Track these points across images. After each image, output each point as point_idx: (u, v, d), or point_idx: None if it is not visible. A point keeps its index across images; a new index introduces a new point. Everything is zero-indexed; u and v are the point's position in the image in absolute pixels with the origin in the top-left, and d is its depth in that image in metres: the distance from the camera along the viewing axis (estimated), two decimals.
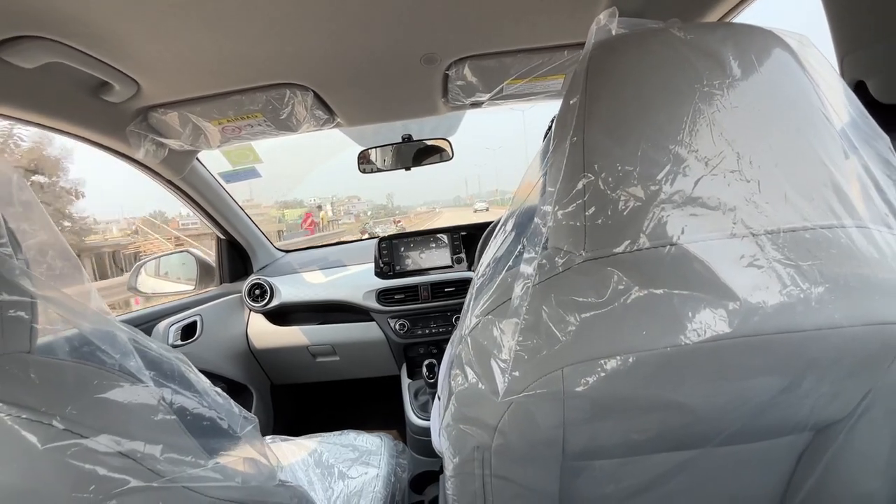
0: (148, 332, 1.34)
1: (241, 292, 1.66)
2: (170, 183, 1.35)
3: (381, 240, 1.70)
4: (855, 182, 0.37)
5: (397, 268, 1.68)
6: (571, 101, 0.39)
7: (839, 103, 0.39)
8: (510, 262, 0.42)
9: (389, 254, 1.68)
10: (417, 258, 1.69)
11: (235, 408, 0.46)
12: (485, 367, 0.38)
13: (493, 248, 0.46)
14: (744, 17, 0.78)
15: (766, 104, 0.36)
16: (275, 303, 1.65)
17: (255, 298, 1.65)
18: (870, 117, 0.39)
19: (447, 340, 0.52)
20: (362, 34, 0.82)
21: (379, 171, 1.59)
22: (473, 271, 1.24)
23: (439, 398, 0.59)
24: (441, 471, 0.49)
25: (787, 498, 0.46)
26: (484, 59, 0.95)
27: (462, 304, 0.48)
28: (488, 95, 1.08)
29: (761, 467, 0.45)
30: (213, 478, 0.40)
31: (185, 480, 0.37)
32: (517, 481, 0.43)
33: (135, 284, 1.57)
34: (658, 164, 0.36)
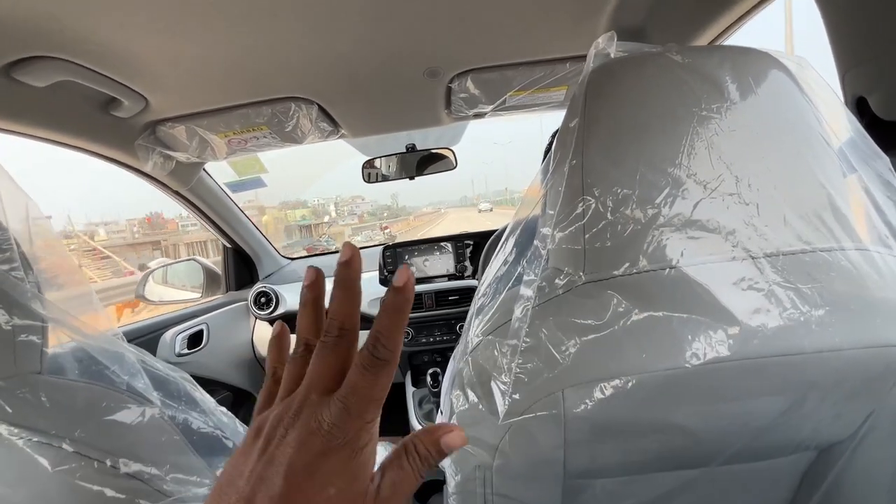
0: (156, 340, 1.36)
1: (246, 300, 1.68)
2: (177, 193, 1.36)
3: (386, 248, 1.71)
4: (854, 204, 0.37)
5: None
6: (570, 124, 0.39)
7: (838, 124, 0.39)
8: (511, 283, 0.42)
9: (394, 262, 1.69)
10: (422, 266, 1.69)
11: (240, 427, 0.46)
12: (485, 388, 0.39)
13: (494, 267, 0.46)
14: (749, 30, 0.78)
15: (764, 127, 0.37)
16: (280, 311, 1.66)
17: (260, 306, 1.67)
18: (869, 138, 0.39)
19: (451, 349, 0.52)
20: (366, 49, 0.84)
21: (383, 180, 1.61)
22: (477, 279, 1.24)
23: (441, 413, 0.60)
24: (445, 480, 0.50)
25: None
26: (486, 72, 0.96)
27: (466, 312, 0.49)
28: (491, 107, 1.08)
29: (764, 486, 0.44)
30: None
31: (192, 500, 0.38)
32: (519, 500, 0.43)
33: (143, 292, 1.59)
34: (657, 188, 0.36)
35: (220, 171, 1.50)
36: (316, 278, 0.27)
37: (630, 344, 0.35)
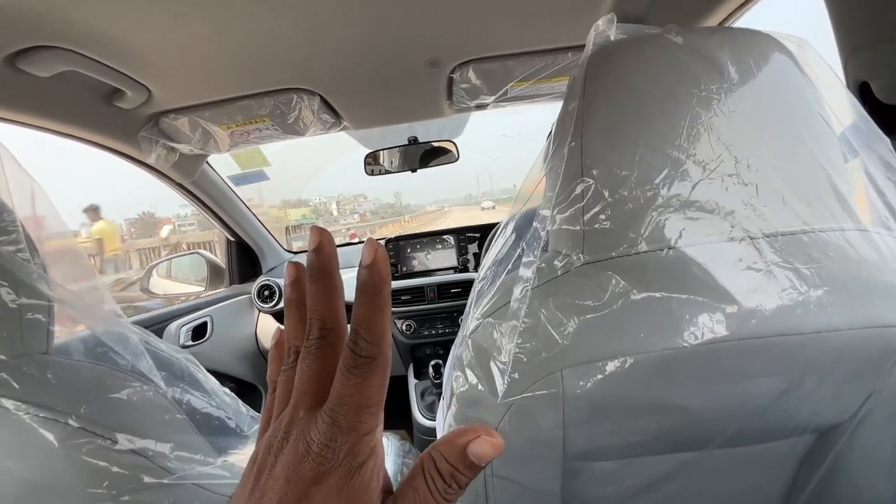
0: (160, 332, 1.37)
1: (250, 293, 1.69)
2: (180, 186, 1.37)
3: (388, 241, 1.71)
4: (854, 185, 0.37)
5: (404, 269, 1.69)
6: (570, 107, 0.39)
7: (839, 106, 0.39)
8: (510, 265, 0.42)
9: (396, 255, 1.69)
10: (424, 259, 1.70)
11: (243, 407, 0.47)
12: (484, 369, 0.39)
13: (494, 251, 0.46)
14: (750, 16, 0.77)
15: (764, 108, 0.37)
16: (283, 304, 1.67)
17: (264, 299, 1.67)
18: (870, 120, 0.39)
19: (453, 341, 0.52)
20: (366, 39, 0.84)
21: (385, 173, 1.61)
22: None
23: (444, 398, 0.60)
24: None
25: (790, 500, 0.46)
26: (488, 63, 0.96)
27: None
28: (493, 98, 1.08)
29: (763, 469, 0.45)
30: (221, 475, 0.41)
31: (195, 478, 0.38)
32: (518, 481, 0.44)
33: (147, 286, 1.60)
34: (655, 169, 0.36)
35: (223, 165, 1.51)
36: (297, 274, 0.24)
37: (629, 324, 0.35)
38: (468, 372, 0.41)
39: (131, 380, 0.39)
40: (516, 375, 0.37)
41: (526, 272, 0.38)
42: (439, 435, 0.67)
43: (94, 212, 5.14)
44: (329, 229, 0.21)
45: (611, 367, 0.35)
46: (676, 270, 0.35)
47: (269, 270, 1.80)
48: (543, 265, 0.39)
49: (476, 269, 1.66)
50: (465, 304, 0.47)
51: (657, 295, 0.35)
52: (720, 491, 0.46)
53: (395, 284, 1.64)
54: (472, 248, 1.69)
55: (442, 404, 0.70)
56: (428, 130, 1.52)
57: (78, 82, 0.82)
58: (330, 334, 0.20)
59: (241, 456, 0.47)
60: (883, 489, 0.43)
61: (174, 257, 1.80)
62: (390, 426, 1.91)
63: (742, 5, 0.71)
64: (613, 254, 0.37)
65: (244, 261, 1.78)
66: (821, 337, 0.34)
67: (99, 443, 0.34)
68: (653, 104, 0.37)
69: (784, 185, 0.36)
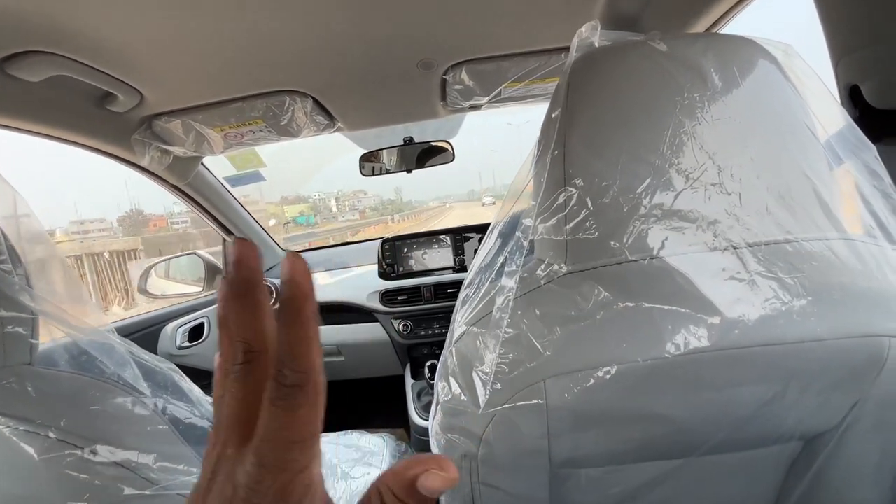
0: (157, 333, 1.37)
1: None
2: (176, 188, 1.37)
3: (385, 241, 1.71)
4: (839, 194, 0.37)
5: (400, 269, 1.69)
6: (553, 115, 0.39)
7: (825, 114, 0.39)
8: (493, 274, 0.42)
9: (392, 255, 1.69)
10: (420, 259, 1.69)
11: None
12: (467, 378, 0.39)
13: (479, 257, 0.46)
14: (743, 18, 0.77)
15: (748, 116, 0.36)
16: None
17: None
18: (856, 127, 0.39)
19: None
20: (357, 40, 0.83)
21: (381, 173, 1.61)
22: None
23: (433, 404, 0.60)
24: None
25: None
26: (481, 64, 0.96)
27: None
28: (486, 98, 1.08)
29: (749, 477, 0.45)
30: None
31: (179, 488, 0.38)
32: (505, 489, 0.44)
33: (145, 287, 1.60)
34: (638, 177, 0.36)
35: (218, 166, 1.51)
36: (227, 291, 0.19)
37: (611, 334, 0.35)
38: (452, 381, 0.41)
39: (114, 390, 0.39)
40: (499, 386, 0.37)
41: (508, 282, 0.38)
42: (431, 438, 0.67)
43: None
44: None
45: (594, 377, 0.35)
46: (659, 280, 0.35)
47: (266, 270, 1.80)
48: (526, 275, 0.39)
49: None
50: None
51: (640, 305, 0.35)
52: (707, 497, 0.46)
53: (392, 285, 1.64)
54: (469, 247, 1.69)
55: (432, 409, 0.70)
56: (423, 130, 1.52)
57: (69, 86, 0.81)
58: (256, 358, 0.18)
59: None
60: (869, 496, 0.43)
61: (172, 258, 1.79)
62: (387, 425, 1.92)
63: (736, 4, 0.70)
64: (596, 263, 0.36)
65: None
66: (804, 346, 0.34)
67: (80, 455, 0.34)
68: (636, 112, 0.36)
69: (768, 195, 0.35)
